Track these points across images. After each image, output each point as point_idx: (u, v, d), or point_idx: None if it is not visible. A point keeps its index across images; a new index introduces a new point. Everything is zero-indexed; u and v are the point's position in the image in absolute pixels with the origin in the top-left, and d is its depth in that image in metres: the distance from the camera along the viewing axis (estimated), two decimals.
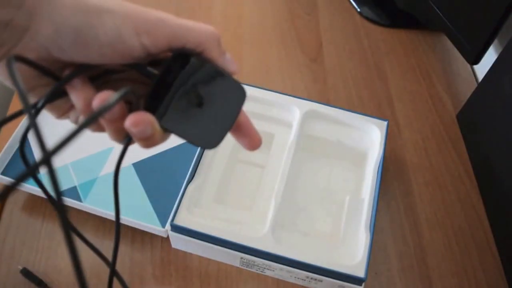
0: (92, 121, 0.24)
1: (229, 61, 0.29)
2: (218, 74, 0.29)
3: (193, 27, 0.28)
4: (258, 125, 0.58)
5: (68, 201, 0.52)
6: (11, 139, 0.55)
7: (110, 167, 0.55)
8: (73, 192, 0.53)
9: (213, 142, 0.29)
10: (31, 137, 0.57)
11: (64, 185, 0.53)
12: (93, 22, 0.25)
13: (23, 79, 0.28)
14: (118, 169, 0.31)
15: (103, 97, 0.26)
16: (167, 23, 0.27)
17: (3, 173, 0.54)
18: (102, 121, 0.28)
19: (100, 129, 0.30)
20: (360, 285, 0.48)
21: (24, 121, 0.58)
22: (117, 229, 0.34)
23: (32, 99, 0.29)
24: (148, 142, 0.28)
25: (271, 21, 0.80)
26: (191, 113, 0.29)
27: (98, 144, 0.57)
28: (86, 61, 0.27)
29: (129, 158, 0.56)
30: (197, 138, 0.29)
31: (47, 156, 0.21)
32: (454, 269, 0.55)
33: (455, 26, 0.65)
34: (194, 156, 0.54)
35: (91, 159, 0.56)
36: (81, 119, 0.31)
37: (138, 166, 0.56)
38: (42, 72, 0.27)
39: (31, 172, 0.21)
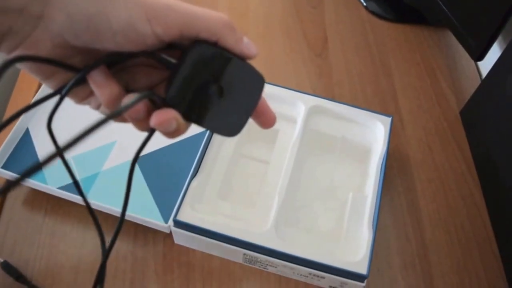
0: (106, 121, 0.24)
1: (248, 45, 0.29)
2: (236, 62, 0.29)
3: (203, 15, 0.28)
4: None
5: (70, 196, 0.51)
6: (11, 133, 0.55)
7: (113, 161, 0.55)
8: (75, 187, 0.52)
9: (234, 130, 0.30)
10: (33, 133, 0.57)
11: (65, 180, 0.53)
12: (105, 10, 0.26)
13: (41, 67, 0.29)
14: (138, 155, 0.31)
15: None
16: (178, 10, 0.27)
17: (4, 167, 0.53)
18: (127, 118, 0.28)
19: (125, 120, 0.30)
20: (363, 282, 0.48)
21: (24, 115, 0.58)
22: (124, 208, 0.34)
23: (51, 86, 0.30)
24: (173, 134, 0.29)
25: (276, 15, 0.79)
26: (212, 103, 0.29)
27: (101, 138, 0.57)
28: (100, 48, 0.27)
29: (132, 153, 0.56)
30: (219, 127, 0.30)
31: (66, 148, 0.22)
32: (455, 266, 0.55)
33: (460, 22, 0.64)
34: (197, 152, 0.54)
35: (93, 153, 0.56)
36: (103, 107, 0.31)
37: (141, 162, 0.55)
38: (55, 65, 0.28)
39: (59, 152, 0.22)
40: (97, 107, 0.32)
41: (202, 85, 0.29)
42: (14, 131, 0.55)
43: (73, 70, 0.29)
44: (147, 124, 0.29)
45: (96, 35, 0.26)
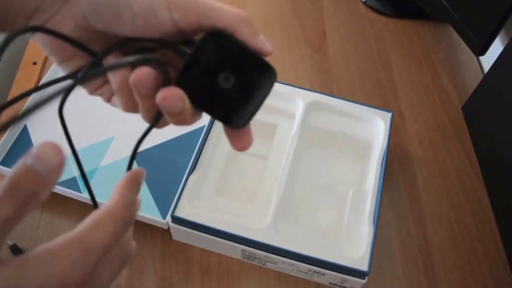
0: (92, 76, 0.25)
1: (263, 43, 0.30)
2: (249, 55, 0.29)
3: (222, 7, 0.28)
4: (261, 116, 0.58)
5: (68, 192, 0.51)
6: (9, 129, 0.55)
7: (111, 157, 0.55)
8: (73, 183, 0.52)
9: (241, 122, 0.29)
10: (31, 129, 0.56)
11: (63, 176, 0.52)
12: None
13: (60, 48, 0.29)
14: (140, 143, 0.30)
15: (139, 73, 0.27)
16: (197, 0, 0.28)
17: (2, 163, 0.53)
18: (137, 97, 0.28)
19: (135, 108, 0.30)
20: (363, 278, 0.47)
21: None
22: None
23: (67, 70, 0.30)
24: (178, 118, 0.28)
25: (274, 11, 0.79)
26: (221, 92, 0.29)
27: (99, 133, 0.57)
28: (118, 32, 0.28)
29: (129, 149, 0.55)
30: (226, 117, 0.29)
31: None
32: (458, 263, 0.54)
33: (461, 16, 0.64)
34: (195, 147, 0.54)
35: (91, 149, 0.55)
36: (115, 98, 0.31)
37: (139, 157, 0.55)
38: (74, 45, 0.28)
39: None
40: (109, 99, 0.32)
41: (213, 73, 0.29)
42: (12, 128, 0.55)
43: (90, 52, 0.29)
44: (154, 111, 0.29)
45: (117, 17, 0.27)
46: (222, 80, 0.29)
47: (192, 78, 0.28)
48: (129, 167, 0.30)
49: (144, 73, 0.26)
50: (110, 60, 0.29)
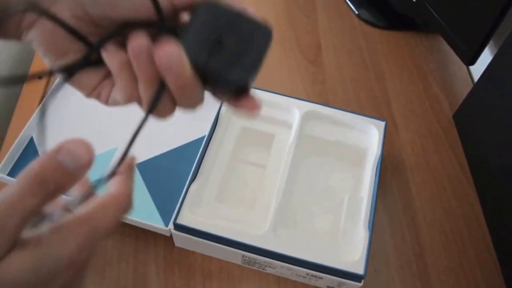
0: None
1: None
2: (244, 19, 0.29)
3: None
4: (259, 126, 0.59)
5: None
6: (16, 141, 0.56)
7: None
8: None
9: (243, 78, 0.29)
10: (38, 141, 0.58)
11: None
12: None
13: (55, 43, 0.29)
14: (140, 129, 0.29)
15: (136, 41, 0.26)
16: None
17: (9, 175, 0.55)
18: (138, 71, 0.28)
19: (136, 91, 0.29)
20: (360, 282, 0.48)
21: (31, 121, 0.59)
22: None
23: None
24: (181, 81, 0.27)
25: (271, 24, 0.80)
26: (220, 53, 0.29)
27: (102, 145, 0.58)
28: (117, 16, 0.28)
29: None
30: (229, 74, 0.29)
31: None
32: (451, 266, 0.56)
33: (451, 28, 0.65)
34: (196, 157, 0.55)
35: (95, 160, 0.57)
36: (114, 92, 0.31)
37: (142, 167, 0.57)
38: (69, 31, 0.28)
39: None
40: (107, 98, 0.31)
41: (210, 38, 0.29)
42: (19, 140, 0.57)
43: (86, 43, 0.29)
44: (155, 75, 0.27)
45: None
46: (219, 43, 0.29)
47: (190, 43, 0.28)
48: (124, 155, 0.29)
49: (140, 37, 0.26)
50: (108, 46, 0.29)
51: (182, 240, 0.52)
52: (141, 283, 0.51)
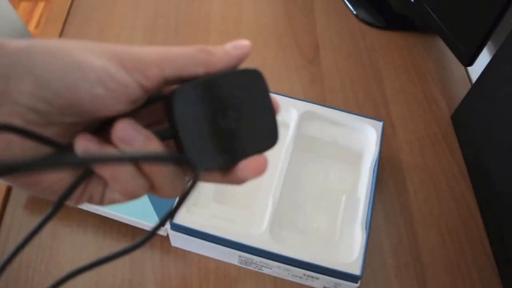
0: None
1: (235, 48, 0.28)
2: (225, 79, 0.27)
3: (180, 50, 0.26)
4: None
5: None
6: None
7: None
8: None
9: (272, 137, 0.28)
10: None
11: None
12: (77, 59, 0.23)
13: (19, 143, 0.24)
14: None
15: (120, 126, 0.25)
16: (151, 50, 0.25)
17: None
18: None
19: (136, 188, 0.27)
20: (356, 282, 0.48)
21: None
22: None
23: (36, 192, 0.27)
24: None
25: (269, 24, 0.81)
26: (234, 131, 0.27)
27: None
28: (78, 112, 0.24)
29: None
30: (257, 145, 0.27)
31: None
32: (448, 267, 0.56)
33: (449, 28, 0.66)
34: None
35: None
36: (109, 193, 0.28)
37: None
38: (30, 138, 0.24)
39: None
40: (101, 200, 0.28)
41: (212, 124, 0.26)
42: None
43: (54, 145, 0.25)
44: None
45: (73, 91, 0.23)
46: (223, 122, 0.26)
47: (198, 145, 0.26)
48: None
49: (124, 122, 0.25)
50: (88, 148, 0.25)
51: (178, 240, 0.52)
52: (137, 283, 0.51)
